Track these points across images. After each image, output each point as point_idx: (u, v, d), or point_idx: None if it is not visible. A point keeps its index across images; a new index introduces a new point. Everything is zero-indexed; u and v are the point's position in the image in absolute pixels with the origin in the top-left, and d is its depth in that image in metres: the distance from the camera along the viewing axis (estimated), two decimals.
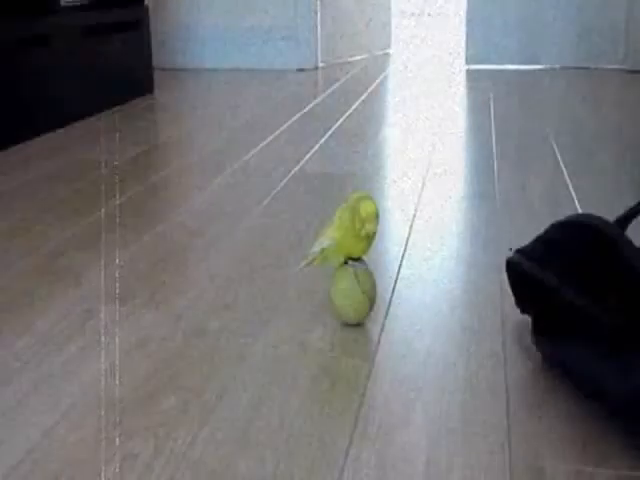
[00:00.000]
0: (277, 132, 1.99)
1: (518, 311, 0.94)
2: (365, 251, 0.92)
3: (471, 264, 1.11)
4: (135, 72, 2.51)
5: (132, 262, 1.15)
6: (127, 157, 1.77)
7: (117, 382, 0.81)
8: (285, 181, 1.55)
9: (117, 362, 0.85)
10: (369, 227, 0.87)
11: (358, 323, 0.93)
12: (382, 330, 0.92)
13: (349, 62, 3.35)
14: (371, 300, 0.92)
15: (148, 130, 2.06)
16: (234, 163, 1.70)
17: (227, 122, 2.14)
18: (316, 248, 0.92)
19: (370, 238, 0.90)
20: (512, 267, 0.92)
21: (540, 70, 2.99)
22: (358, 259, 0.93)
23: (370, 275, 0.93)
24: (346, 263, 0.92)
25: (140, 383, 0.81)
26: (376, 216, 0.87)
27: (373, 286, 0.92)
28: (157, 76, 2.91)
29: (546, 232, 0.89)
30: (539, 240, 0.89)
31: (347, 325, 0.93)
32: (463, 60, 3.16)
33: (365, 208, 0.86)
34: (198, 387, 0.80)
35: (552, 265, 0.84)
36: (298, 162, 1.69)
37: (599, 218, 0.81)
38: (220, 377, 0.82)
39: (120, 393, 0.79)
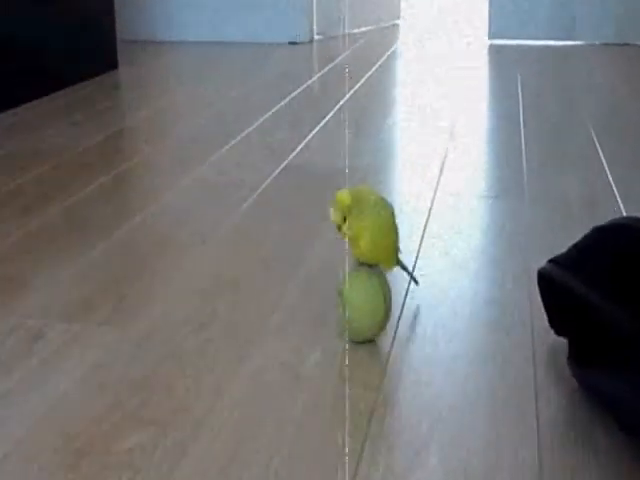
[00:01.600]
0: (264, 117, 1.99)
1: (552, 331, 0.93)
2: (358, 255, 0.93)
3: (496, 275, 1.11)
4: (97, 44, 2.50)
5: (91, 270, 1.14)
6: (87, 144, 1.76)
7: (71, 415, 0.80)
8: (274, 176, 1.54)
9: (71, 391, 0.84)
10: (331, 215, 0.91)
11: (371, 339, 0.93)
12: (390, 353, 0.91)
13: (351, 35, 3.35)
14: (388, 309, 0.93)
15: (112, 112, 2.06)
16: (213, 153, 1.69)
17: (205, 105, 2.13)
18: None
19: (349, 237, 0.92)
20: (544, 279, 0.91)
21: (576, 47, 2.99)
22: (371, 266, 0.94)
23: (385, 280, 0.94)
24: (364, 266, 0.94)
25: (99, 416, 0.80)
26: (337, 205, 0.89)
27: (389, 293, 0.94)
28: (122, 49, 2.90)
29: (585, 238, 0.89)
30: (574, 247, 0.89)
31: (351, 345, 0.92)
32: (486, 34, 3.16)
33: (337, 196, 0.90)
34: (169, 421, 0.79)
35: (585, 273, 0.83)
36: (289, 153, 1.69)
37: None
38: (195, 409, 0.81)
39: (75, 428, 0.78)
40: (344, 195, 0.89)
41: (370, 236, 0.91)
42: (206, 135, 1.83)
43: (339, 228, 0.91)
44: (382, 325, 0.93)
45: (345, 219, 0.90)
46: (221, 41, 3.13)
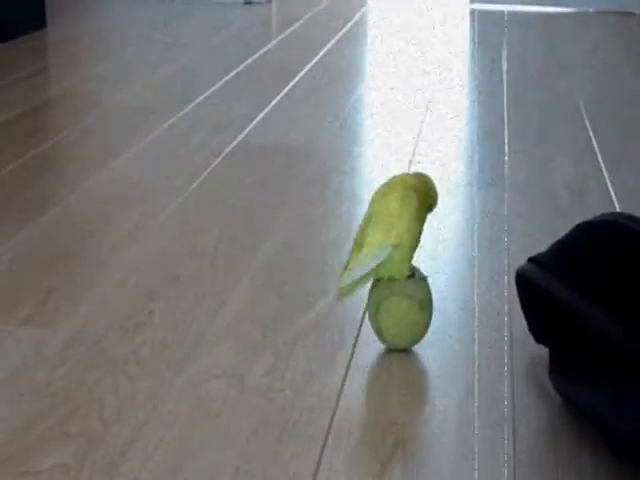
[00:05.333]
0: (214, 87, 1.98)
1: (531, 338, 0.95)
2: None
3: (472, 275, 1.12)
4: None
5: (10, 261, 1.13)
6: (7, 116, 1.74)
7: None
8: (224, 155, 1.54)
9: None
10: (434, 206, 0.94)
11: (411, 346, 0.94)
12: (350, 362, 0.92)
13: None
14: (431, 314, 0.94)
15: (38, 78, 2.03)
16: (155, 128, 1.68)
17: (147, 71, 2.12)
18: (367, 266, 0.90)
19: None
20: (522, 280, 0.92)
21: (569, 14, 3.01)
22: None
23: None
24: (412, 276, 0.93)
25: (16, 430, 0.79)
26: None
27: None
28: (51, 5, 2.87)
29: (569, 235, 0.90)
30: (558, 245, 0.90)
31: (306, 353, 0.92)
32: None
33: (431, 184, 0.94)
34: (95, 437, 0.79)
35: (570, 276, 0.84)
36: (242, 129, 1.68)
37: (636, 218, 0.82)
38: (127, 424, 0.81)
39: None
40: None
41: None
42: (148, 106, 1.82)
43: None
44: (424, 332, 0.94)
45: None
46: None
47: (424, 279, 0.93)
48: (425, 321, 0.92)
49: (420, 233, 0.92)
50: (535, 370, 0.91)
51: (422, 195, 0.92)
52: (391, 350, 0.94)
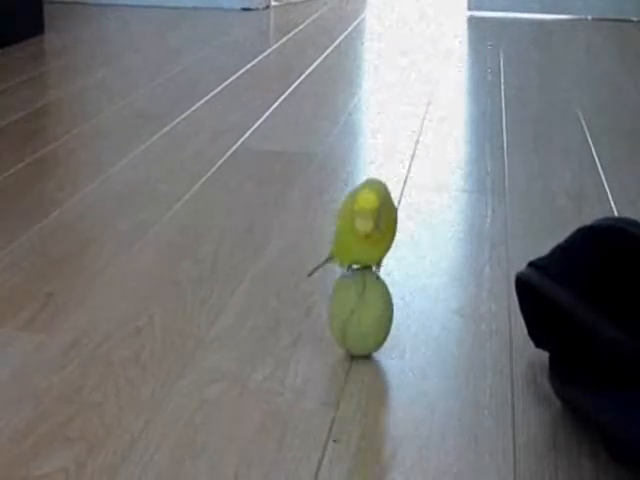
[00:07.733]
0: (212, 93, 1.98)
1: (531, 343, 0.95)
2: (374, 258, 0.92)
3: (471, 280, 1.12)
4: (18, 5, 2.47)
5: (10, 266, 1.13)
6: (6, 121, 1.74)
7: None
8: (222, 161, 1.54)
9: None
10: (359, 225, 0.85)
11: (366, 354, 0.93)
12: (350, 367, 0.92)
13: (312, 1, 3.35)
14: (379, 324, 0.91)
15: (35, 85, 2.03)
16: (152, 134, 1.68)
17: (145, 78, 2.12)
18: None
19: (375, 241, 0.88)
20: (522, 284, 0.92)
21: (567, 21, 3.02)
22: (370, 267, 0.93)
23: (379, 291, 0.92)
24: (348, 269, 0.92)
25: (16, 434, 0.80)
26: (372, 212, 0.85)
27: (383, 307, 0.92)
28: (49, 11, 2.87)
29: (569, 239, 0.90)
30: (558, 249, 0.91)
31: (305, 356, 0.93)
32: (464, 4, 3.18)
33: (360, 198, 0.85)
34: (97, 441, 0.79)
35: (570, 281, 0.85)
36: (240, 135, 1.68)
37: (635, 223, 0.83)
38: (127, 428, 0.81)
39: None
40: (373, 197, 0.85)
41: (394, 229, 0.91)
42: (145, 113, 1.82)
43: (367, 237, 0.86)
44: (366, 339, 0.92)
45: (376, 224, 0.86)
46: (165, 6, 3.12)
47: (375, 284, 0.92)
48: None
49: (349, 239, 0.89)
50: (535, 374, 0.91)
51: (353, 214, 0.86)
52: (389, 354, 0.94)
